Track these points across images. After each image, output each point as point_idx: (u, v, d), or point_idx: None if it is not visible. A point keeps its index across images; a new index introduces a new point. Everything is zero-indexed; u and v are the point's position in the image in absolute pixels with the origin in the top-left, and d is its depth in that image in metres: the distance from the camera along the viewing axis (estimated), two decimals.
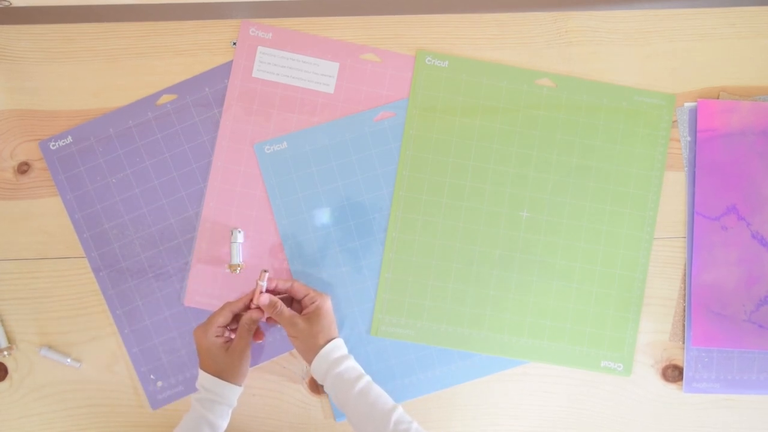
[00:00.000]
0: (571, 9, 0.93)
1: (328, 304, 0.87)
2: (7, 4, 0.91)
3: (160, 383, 0.91)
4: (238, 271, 0.90)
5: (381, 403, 0.81)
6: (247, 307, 0.86)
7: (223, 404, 0.83)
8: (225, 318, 0.85)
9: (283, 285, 0.87)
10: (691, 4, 0.93)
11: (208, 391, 0.83)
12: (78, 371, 0.91)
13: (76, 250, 0.92)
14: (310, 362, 0.84)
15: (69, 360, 0.91)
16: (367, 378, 0.83)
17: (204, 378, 0.83)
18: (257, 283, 0.86)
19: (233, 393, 0.84)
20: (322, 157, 0.92)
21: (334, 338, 0.85)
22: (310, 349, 0.84)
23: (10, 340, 0.91)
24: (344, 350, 0.86)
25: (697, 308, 0.91)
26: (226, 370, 0.83)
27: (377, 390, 0.82)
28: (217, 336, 0.84)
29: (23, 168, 0.92)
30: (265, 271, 0.85)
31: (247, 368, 0.86)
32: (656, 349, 0.92)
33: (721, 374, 0.91)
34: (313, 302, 0.86)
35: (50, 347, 0.91)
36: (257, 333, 0.89)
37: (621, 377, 0.92)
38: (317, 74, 0.92)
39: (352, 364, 0.84)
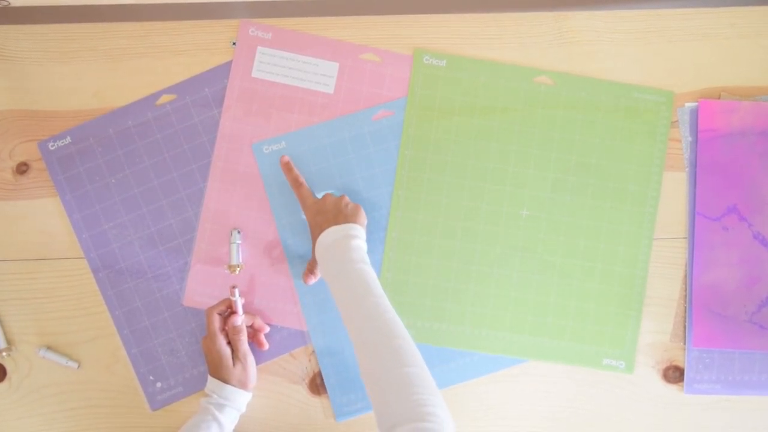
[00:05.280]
0: (571, 9, 0.93)
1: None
2: (6, 4, 0.91)
3: (159, 384, 0.91)
4: (237, 272, 0.90)
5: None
6: (229, 311, 0.88)
7: (233, 408, 0.85)
8: (218, 322, 0.87)
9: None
10: (691, 4, 0.93)
11: (221, 397, 0.84)
12: (77, 372, 0.91)
13: (75, 250, 0.92)
14: None
15: (68, 361, 0.91)
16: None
17: (216, 385, 0.85)
18: (231, 300, 0.87)
19: (244, 398, 0.86)
20: (320, 156, 0.92)
21: None
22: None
23: (9, 341, 0.91)
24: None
25: (698, 309, 0.91)
26: (235, 377, 0.85)
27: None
28: (228, 343, 0.86)
29: (22, 168, 0.92)
30: (234, 286, 0.86)
31: (254, 373, 0.88)
32: (657, 350, 0.92)
33: (722, 375, 0.91)
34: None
35: (49, 348, 0.91)
36: (259, 341, 0.90)
37: (622, 377, 0.91)
38: (317, 74, 0.92)
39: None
